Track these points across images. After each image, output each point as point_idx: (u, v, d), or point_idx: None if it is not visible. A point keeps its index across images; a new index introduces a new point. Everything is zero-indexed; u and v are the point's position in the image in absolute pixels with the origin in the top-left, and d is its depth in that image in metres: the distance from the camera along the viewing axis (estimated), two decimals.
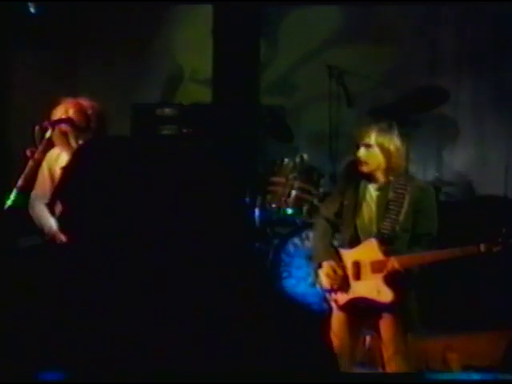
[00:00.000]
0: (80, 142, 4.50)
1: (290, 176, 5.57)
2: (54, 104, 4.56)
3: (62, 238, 4.51)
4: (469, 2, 6.51)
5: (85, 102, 4.56)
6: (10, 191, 4.12)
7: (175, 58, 7.11)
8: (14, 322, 1.87)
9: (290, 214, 5.69)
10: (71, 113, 4.49)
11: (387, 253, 4.14)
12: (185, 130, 6.08)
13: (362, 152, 4.21)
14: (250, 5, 6.54)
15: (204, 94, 6.78)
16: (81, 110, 4.51)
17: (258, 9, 6.72)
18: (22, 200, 4.42)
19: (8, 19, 6.24)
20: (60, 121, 4.47)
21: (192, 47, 7.01)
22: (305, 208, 5.62)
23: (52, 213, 4.55)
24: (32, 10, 5.55)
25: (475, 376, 4.85)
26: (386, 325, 4.18)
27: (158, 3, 6.78)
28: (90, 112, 4.53)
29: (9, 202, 4.07)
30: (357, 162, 4.25)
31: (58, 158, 4.57)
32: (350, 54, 6.70)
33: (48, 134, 4.35)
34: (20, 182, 4.19)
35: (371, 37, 6.82)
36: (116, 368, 1.83)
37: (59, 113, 4.51)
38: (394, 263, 4.10)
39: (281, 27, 7.00)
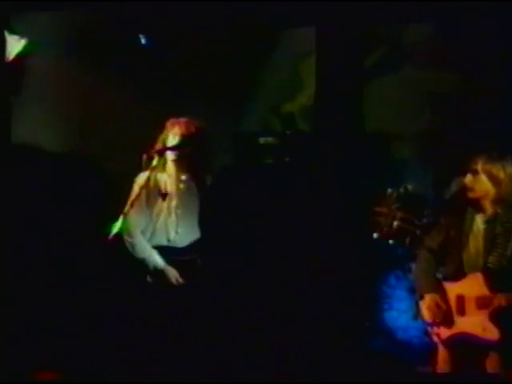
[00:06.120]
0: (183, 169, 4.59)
1: (393, 206, 5.49)
2: (160, 129, 4.68)
3: (173, 273, 4.58)
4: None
5: (191, 126, 4.64)
6: (117, 218, 4.21)
7: (277, 85, 7.12)
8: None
9: (393, 245, 5.61)
10: (178, 138, 4.60)
11: (494, 288, 4.03)
12: (287, 159, 6.07)
13: (468, 178, 4.19)
14: (352, 30, 6.53)
15: (306, 123, 6.77)
16: (187, 135, 4.61)
17: (359, 35, 6.70)
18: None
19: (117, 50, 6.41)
20: (166, 149, 4.59)
21: (292, 75, 7.02)
22: (407, 239, 5.53)
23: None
24: (143, 41, 5.80)
25: None
26: (492, 364, 4.06)
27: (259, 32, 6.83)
28: (195, 137, 4.62)
29: (115, 229, 4.15)
30: (463, 189, 4.21)
31: (155, 182, 4.65)
32: (450, 79, 6.59)
33: (155, 162, 4.43)
34: (126, 209, 4.28)
35: (471, 62, 6.68)
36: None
37: (165, 138, 4.62)
38: (500, 300, 3.99)
39: (376, 54, 6.93)
